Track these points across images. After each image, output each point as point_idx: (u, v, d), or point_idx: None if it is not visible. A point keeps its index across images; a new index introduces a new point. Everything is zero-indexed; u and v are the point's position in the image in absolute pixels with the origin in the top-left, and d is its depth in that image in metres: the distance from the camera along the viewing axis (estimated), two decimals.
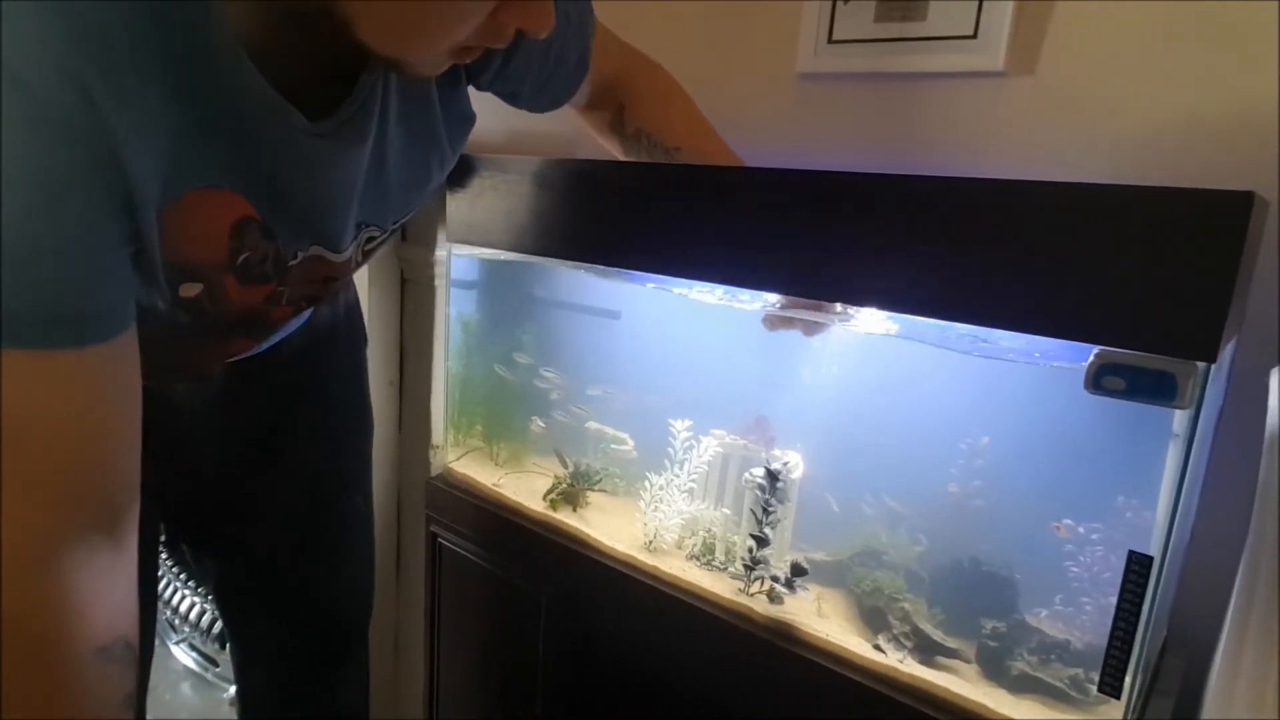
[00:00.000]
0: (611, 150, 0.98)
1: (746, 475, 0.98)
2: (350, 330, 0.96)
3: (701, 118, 0.96)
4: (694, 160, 0.94)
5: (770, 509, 0.93)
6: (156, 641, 1.93)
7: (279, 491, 0.92)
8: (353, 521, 1.00)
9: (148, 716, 1.64)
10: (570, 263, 1.03)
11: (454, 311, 1.24)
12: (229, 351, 0.74)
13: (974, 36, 0.88)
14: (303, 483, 0.93)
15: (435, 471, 1.25)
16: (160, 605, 1.93)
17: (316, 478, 0.94)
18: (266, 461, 0.90)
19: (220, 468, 0.88)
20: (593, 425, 1.17)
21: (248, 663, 1.02)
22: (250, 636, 1.01)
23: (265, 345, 0.79)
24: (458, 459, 1.24)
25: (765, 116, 1.08)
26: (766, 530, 0.93)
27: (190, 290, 0.57)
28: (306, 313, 0.83)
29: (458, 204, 1.11)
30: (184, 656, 1.87)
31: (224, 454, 0.87)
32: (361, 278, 1.33)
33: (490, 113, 1.29)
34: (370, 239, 0.69)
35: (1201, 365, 0.63)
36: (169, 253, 0.53)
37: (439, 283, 1.31)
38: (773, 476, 0.93)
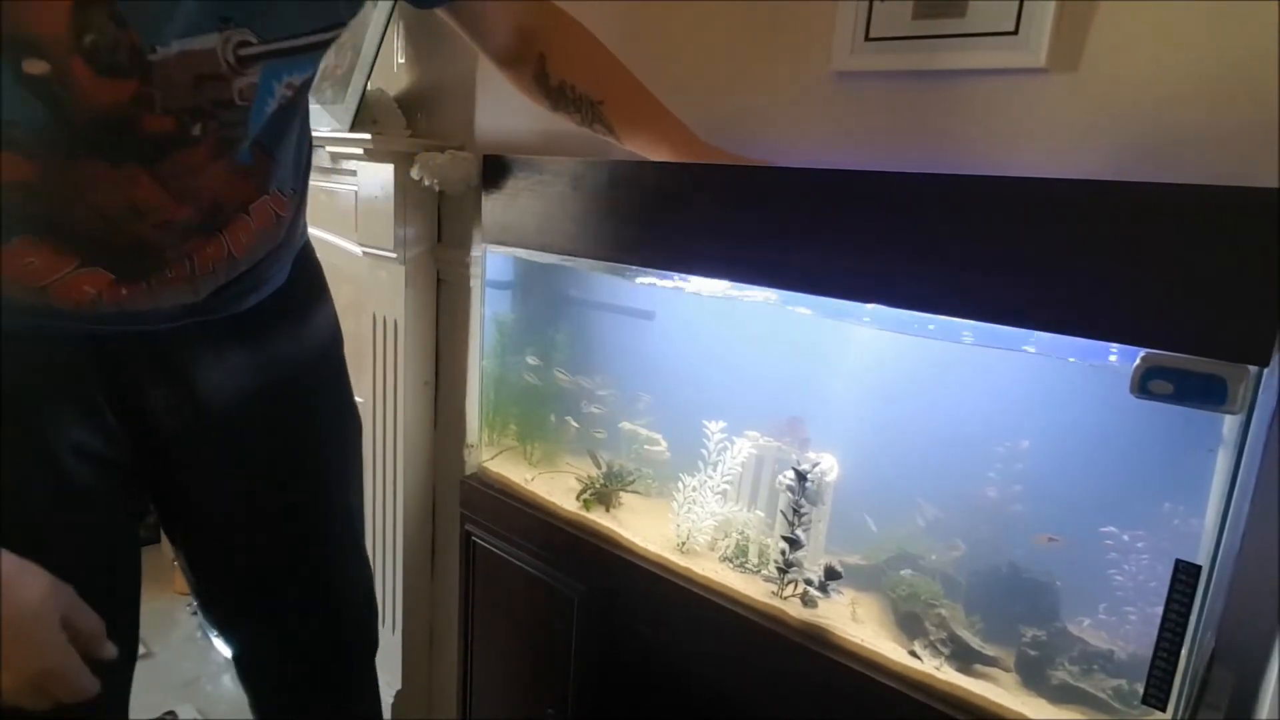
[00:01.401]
0: (542, 107, 0.96)
1: (780, 477, 0.97)
2: (334, 337, 0.95)
3: (624, 71, 0.94)
4: (619, 114, 0.92)
5: (800, 510, 0.92)
6: (198, 634, 1.98)
7: (273, 503, 0.90)
8: (347, 526, 0.97)
9: (190, 709, 1.68)
10: (604, 263, 1.03)
11: (488, 312, 1.25)
12: (136, 194, 0.65)
13: (1015, 33, 0.87)
14: (297, 493, 0.91)
15: (470, 470, 1.26)
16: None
17: (315, 488, 0.92)
18: (259, 475, 0.88)
19: (210, 486, 0.86)
20: (626, 426, 1.17)
21: (257, 679, 1.00)
22: (256, 650, 0.98)
23: (187, 210, 0.69)
24: (492, 458, 1.25)
25: (800, 116, 1.07)
26: (798, 532, 0.92)
27: (35, 67, 0.55)
28: (277, 256, 0.80)
29: (492, 205, 1.12)
30: (224, 649, 1.91)
31: (214, 472, 0.86)
32: (398, 278, 1.35)
33: (524, 115, 1.30)
34: (243, 44, 0.63)
35: (1254, 369, 0.61)
36: (5, 24, 0.52)
37: (474, 283, 1.32)
38: (801, 477, 0.92)
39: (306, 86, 0.74)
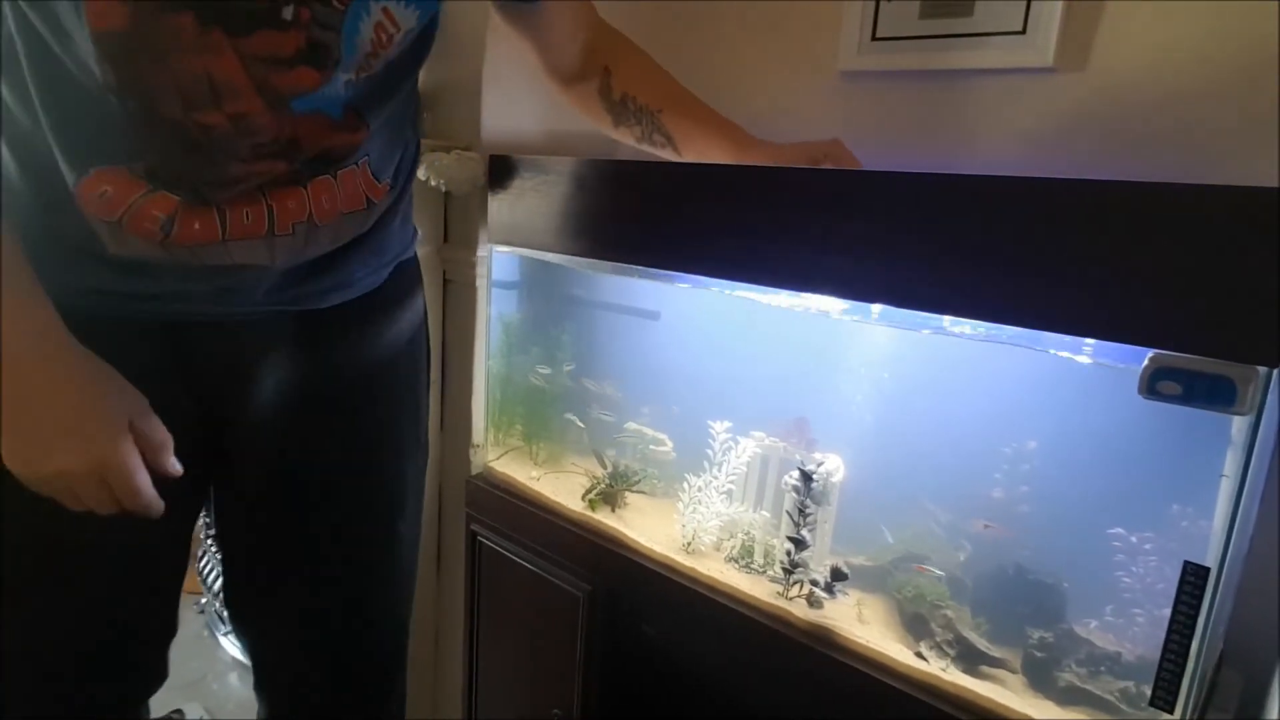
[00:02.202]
0: (602, 125, 0.98)
1: (785, 478, 0.97)
2: (413, 353, 0.92)
3: (676, 82, 0.97)
4: (678, 122, 0.94)
5: (806, 510, 0.92)
6: (205, 633, 1.99)
7: (321, 514, 0.88)
8: (391, 554, 0.94)
9: (197, 708, 1.69)
10: (610, 263, 1.03)
11: (495, 312, 1.25)
12: (217, 67, 0.64)
13: (1023, 32, 0.87)
14: (347, 509, 0.89)
15: (475, 470, 1.26)
16: (210, 598, 1.98)
17: (362, 504, 0.90)
18: (312, 483, 0.87)
19: (266, 488, 0.85)
20: (631, 426, 1.17)
21: (275, 694, 0.96)
22: (279, 665, 0.95)
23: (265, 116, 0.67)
24: (498, 458, 1.25)
25: (807, 116, 1.07)
26: (804, 533, 0.92)
27: None
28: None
29: (499, 205, 1.12)
30: (231, 648, 1.92)
31: (272, 476, 0.85)
32: None
33: (530, 115, 1.30)
34: None
35: (1263, 370, 0.61)
36: None
37: (480, 283, 1.33)
38: (806, 477, 0.92)
39: (415, 49, 0.74)
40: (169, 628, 0.86)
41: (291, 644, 0.92)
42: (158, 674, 0.87)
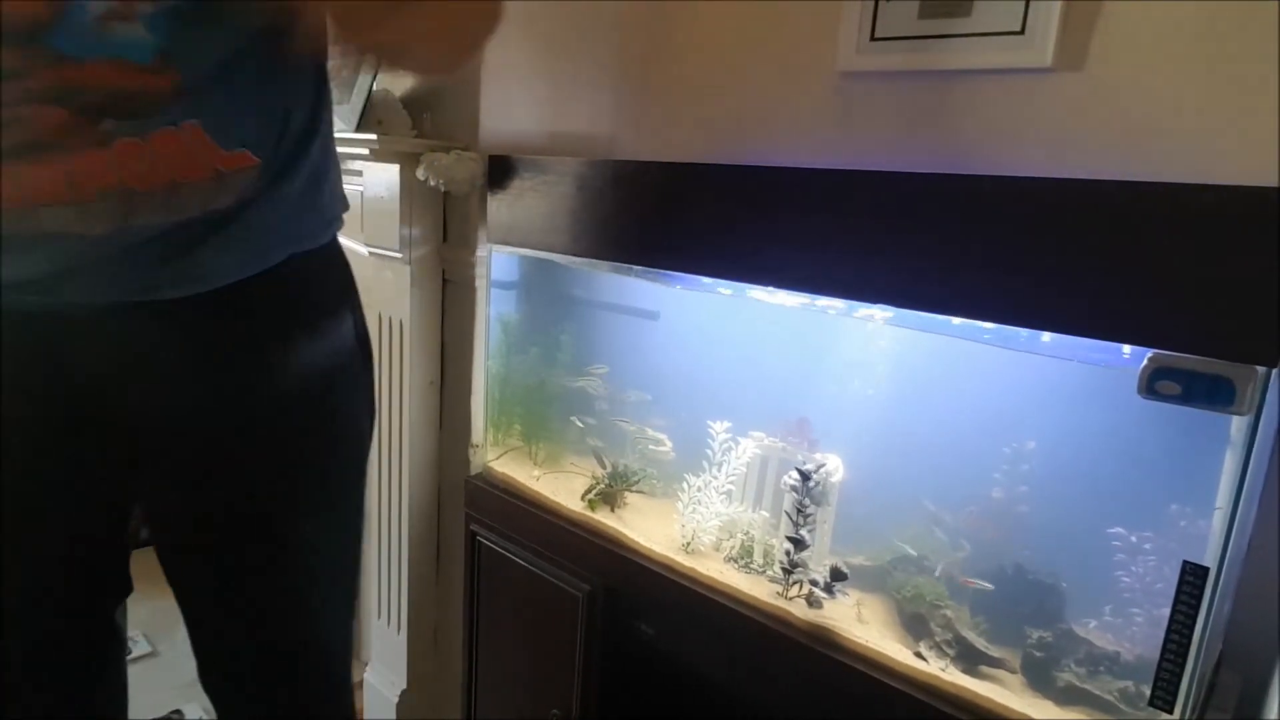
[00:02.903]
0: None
1: (785, 478, 0.97)
2: (327, 383, 0.83)
3: None
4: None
5: (805, 510, 0.92)
6: None
7: (228, 512, 0.81)
8: (300, 550, 0.85)
9: (196, 708, 1.69)
10: (609, 263, 1.03)
11: (494, 312, 1.25)
12: None
13: (1021, 33, 0.87)
14: (250, 505, 0.81)
15: (475, 470, 1.26)
16: None
17: (259, 501, 0.82)
18: (205, 495, 0.80)
19: (168, 493, 0.80)
20: (631, 426, 1.17)
21: (220, 700, 0.92)
22: (218, 674, 0.90)
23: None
24: (497, 458, 1.25)
25: (806, 116, 1.07)
26: (803, 533, 0.92)
27: None
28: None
29: (498, 205, 1.12)
30: None
31: (168, 482, 0.79)
32: (403, 278, 1.35)
33: (529, 115, 1.30)
34: None
35: (1261, 369, 0.61)
36: None
37: (479, 283, 1.33)
38: (805, 476, 0.92)
39: None
40: (119, 585, 0.85)
41: (220, 652, 0.87)
42: (112, 630, 0.85)
